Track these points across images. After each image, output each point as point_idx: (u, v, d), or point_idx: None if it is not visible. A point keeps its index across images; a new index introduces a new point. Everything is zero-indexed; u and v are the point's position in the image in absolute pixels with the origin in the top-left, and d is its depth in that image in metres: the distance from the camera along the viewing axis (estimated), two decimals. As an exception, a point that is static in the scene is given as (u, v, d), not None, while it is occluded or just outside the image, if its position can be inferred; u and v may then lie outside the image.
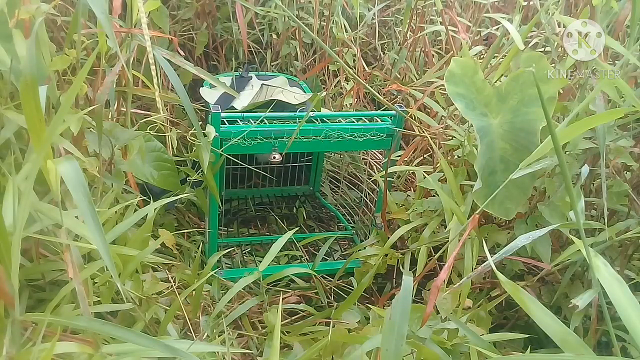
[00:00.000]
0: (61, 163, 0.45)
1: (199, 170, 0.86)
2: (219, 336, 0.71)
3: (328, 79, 1.36)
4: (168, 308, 0.67)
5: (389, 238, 0.86)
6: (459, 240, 0.58)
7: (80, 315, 0.52)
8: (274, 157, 0.89)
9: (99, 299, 0.62)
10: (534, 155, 0.49)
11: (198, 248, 1.02)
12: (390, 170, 0.91)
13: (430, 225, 0.81)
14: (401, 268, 0.87)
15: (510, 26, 0.73)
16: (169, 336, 0.65)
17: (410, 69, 1.32)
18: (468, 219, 0.67)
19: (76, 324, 0.47)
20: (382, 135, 0.93)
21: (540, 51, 0.89)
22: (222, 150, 0.85)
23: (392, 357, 0.43)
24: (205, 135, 0.78)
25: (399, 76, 1.34)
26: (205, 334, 0.71)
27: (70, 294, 0.55)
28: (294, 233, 0.82)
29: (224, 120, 0.87)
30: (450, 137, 0.86)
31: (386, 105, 0.91)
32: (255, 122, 0.88)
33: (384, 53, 1.43)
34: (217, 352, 0.63)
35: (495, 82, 0.79)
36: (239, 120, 0.89)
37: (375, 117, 0.97)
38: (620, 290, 0.38)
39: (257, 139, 0.87)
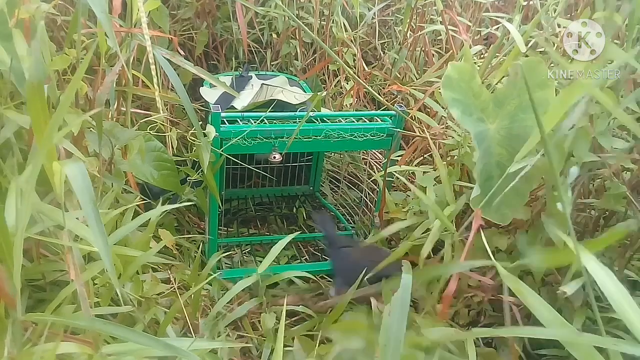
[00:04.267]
0: (68, 165, 0.45)
1: (199, 170, 0.86)
2: (218, 336, 0.71)
3: (328, 78, 1.36)
4: (167, 310, 0.67)
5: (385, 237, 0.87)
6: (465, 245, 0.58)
7: (81, 315, 0.52)
8: (274, 157, 0.89)
9: (99, 299, 0.62)
10: (523, 149, 0.49)
11: (198, 248, 1.03)
12: (389, 170, 0.91)
13: (424, 223, 0.81)
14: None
15: (512, 28, 0.73)
16: (168, 337, 0.65)
17: (410, 69, 1.32)
18: (462, 220, 0.67)
19: (77, 324, 0.47)
20: (382, 135, 0.94)
21: (540, 51, 0.90)
22: (222, 150, 0.85)
23: (391, 354, 0.43)
24: (205, 135, 0.78)
25: (399, 76, 1.34)
26: (205, 335, 0.71)
27: (71, 295, 0.56)
28: (294, 235, 0.82)
29: (224, 120, 0.87)
30: (450, 137, 0.86)
31: (385, 104, 0.92)
32: (255, 122, 0.88)
33: (384, 52, 1.43)
34: (218, 353, 0.64)
35: (496, 84, 0.79)
36: (239, 120, 0.89)
37: (376, 117, 0.97)
38: (608, 278, 0.39)
39: (257, 139, 0.87)
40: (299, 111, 0.94)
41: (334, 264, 0.89)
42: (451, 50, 1.09)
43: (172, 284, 0.72)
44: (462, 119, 0.68)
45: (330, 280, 0.97)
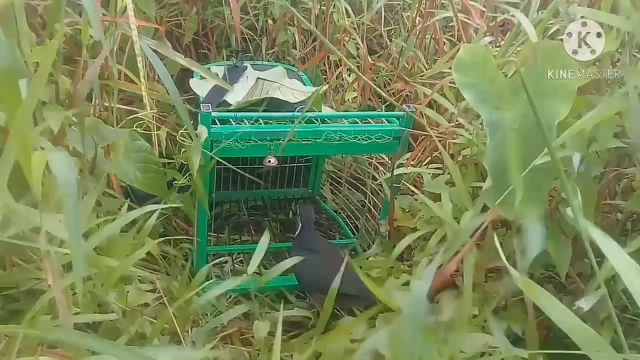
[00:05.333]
0: (51, 154, 0.46)
1: (187, 174, 0.87)
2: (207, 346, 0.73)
3: (329, 69, 1.37)
4: (154, 320, 0.69)
5: (394, 247, 0.88)
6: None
7: (58, 326, 0.54)
8: (269, 162, 0.90)
9: (79, 310, 0.64)
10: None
11: (185, 256, 1.04)
12: (396, 172, 0.92)
13: (438, 232, 0.82)
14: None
15: (523, 18, 0.75)
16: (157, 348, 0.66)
17: (419, 58, 1.34)
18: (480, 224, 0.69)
19: (54, 336, 0.48)
20: (389, 138, 0.94)
21: (560, 39, 0.91)
22: (213, 153, 0.86)
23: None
24: (196, 136, 0.79)
25: (407, 66, 1.35)
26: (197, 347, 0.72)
27: (48, 304, 0.57)
28: (281, 243, 0.83)
29: (215, 119, 0.88)
30: (461, 136, 0.87)
31: (392, 102, 0.93)
32: (249, 123, 0.89)
33: (390, 40, 1.44)
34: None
35: (512, 75, 0.81)
36: (231, 120, 0.89)
37: (382, 118, 0.98)
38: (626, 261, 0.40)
39: (251, 141, 0.88)
40: (298, 111, 0.94)
41: (299, 272, 0.91)
42: (463, 41, 1.11)
43: (158, 294, 0.73)
44: (475, 105, 0.69)
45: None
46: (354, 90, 1.25)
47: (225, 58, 1.37)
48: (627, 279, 0.40)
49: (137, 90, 0.74)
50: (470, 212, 0.74)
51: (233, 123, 0.89)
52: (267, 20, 1.41)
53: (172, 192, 0.93)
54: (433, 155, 1.04)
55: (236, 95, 1.04)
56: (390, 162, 1.06)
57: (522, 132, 0.70)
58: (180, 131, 0.80)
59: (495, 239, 0.53)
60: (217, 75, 1.09)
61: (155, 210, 0.69)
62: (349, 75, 1.32)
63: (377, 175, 1.17)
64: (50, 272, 0.52)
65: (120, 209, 0.71)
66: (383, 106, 1.29)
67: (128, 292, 0.69)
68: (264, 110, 0.94)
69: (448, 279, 0.79)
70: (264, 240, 0.80)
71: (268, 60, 1.36)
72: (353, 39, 1.31)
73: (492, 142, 0.69)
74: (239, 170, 1.03)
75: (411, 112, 0.92)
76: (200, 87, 1.05)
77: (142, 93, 0.71)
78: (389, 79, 1.39)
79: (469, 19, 1.17)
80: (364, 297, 0.76)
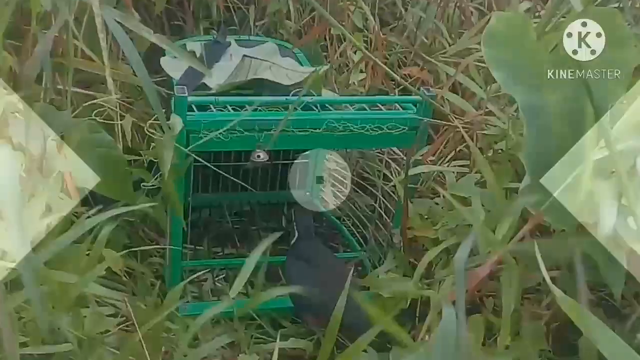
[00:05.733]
0: None
1: (157, 175, 0.87)
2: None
3: (331, 44, 1.37)
4: (117, 351, 0.69)
5: (409, 263, 0.88)
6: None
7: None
8: (258, 156, 0.90)
9: (26, 339, 0.64)
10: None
11: (155, 273, 1.04)
12: (412, 172, 0.92)
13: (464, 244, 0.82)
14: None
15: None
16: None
17: (440, 32, 1.34)
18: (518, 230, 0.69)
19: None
20: (403, 129, 0.94)
21: (615, 7, 0.92)
22: (189, 149, 0.85)
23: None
24: (169, 128, 0.78)
25: (426, 41, 1.35)
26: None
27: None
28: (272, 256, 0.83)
29: (192, 105, 0.87)
30: (494, 126, 0.87)
31: (407, 87, 0.93)
32: (233, 109, 0.89)
33: (405, 10, 1.44)
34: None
35: (553, 49, 0.81)
36: (212, 106, 0.89)
37: (395, 104, 0.98)
38: None
39: (235, 132, 0.88)
40: (293, 95, 0.94)
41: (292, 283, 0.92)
42: (494, 10, 1.11)
43: (122, 318, 0.73)
44: (506, 86, 0.70)
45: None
46: (361, 72, 1.25)
47: (203, 32, 1.37)
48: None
49: (97, 70, 0.74)
50: (509, 220, 0.74)
51: (214, 110, 0.89)
52: (255, -14, 1.41)
53: (139, 196, 0.93)
54: (457, 150, 1.04)
55: (217, 77, 1.03)
56: (404, 158, 1.06)
57: (569, 118, 0.70)
58: (149, 121, 0.80)
59: (537, 251, 0.53)
60: (194, 54, 1.09)
61: (118, 216, 0.69)
62: (355, 53, 1.31)
63: (389, 175, 1.17)
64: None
65: (76, 215, 0.71)
66: (396, 90, 1.29)
67: (85, 316, 0.70)
68: (252, 95, 0.94)
69: (472, 296, 0.79)
70: (255, 256, 0.79)
71: (256, 35, 1.36)
72: (360, 9, 1.31)
73: (530, 131, 0.69)
74: (219, 171, 1.03)
75: (431, 96, 0.92)
76: (174, 66, 1.05)
77: (103, 74, 0.71)
78: (404, 57, 1.39)
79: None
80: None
